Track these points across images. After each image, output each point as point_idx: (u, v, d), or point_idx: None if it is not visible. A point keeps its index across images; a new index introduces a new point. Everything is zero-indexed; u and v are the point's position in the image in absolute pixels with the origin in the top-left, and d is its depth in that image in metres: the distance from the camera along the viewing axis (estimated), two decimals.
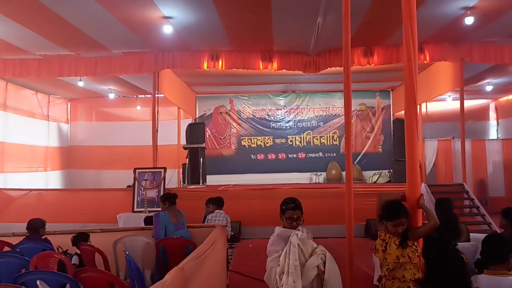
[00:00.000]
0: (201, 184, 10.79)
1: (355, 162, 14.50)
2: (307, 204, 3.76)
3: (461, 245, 3.65)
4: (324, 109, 15.01)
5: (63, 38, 9.09)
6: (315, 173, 14.43)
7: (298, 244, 3.00)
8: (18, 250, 4.40)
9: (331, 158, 14.65)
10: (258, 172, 14.41)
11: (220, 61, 9.84)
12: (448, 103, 14.30)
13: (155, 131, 9.93)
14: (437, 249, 2.86)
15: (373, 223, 9.30)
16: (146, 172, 9.73)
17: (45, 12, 7.49)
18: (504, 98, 14.99)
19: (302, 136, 14.91)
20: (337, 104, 14.93)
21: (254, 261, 7.35)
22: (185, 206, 8.64)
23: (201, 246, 3.82)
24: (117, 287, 3.21)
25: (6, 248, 4.55)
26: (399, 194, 2.98)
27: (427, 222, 2.86)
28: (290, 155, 14.85)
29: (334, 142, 14.84)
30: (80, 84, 11.98)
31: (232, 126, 14.98)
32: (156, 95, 10.10)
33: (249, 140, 14.93)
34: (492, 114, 15.61)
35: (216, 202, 6.77)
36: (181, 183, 12.01)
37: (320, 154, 14.81)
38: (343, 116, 14.87)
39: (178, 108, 12.80)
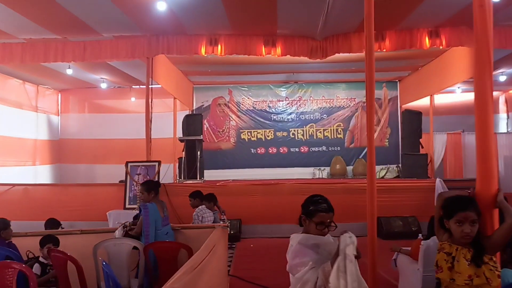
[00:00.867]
0: (198, 179, 10.11)
1: (360, 157, 13.95)
2: None
3: None
4: (328, 100, 14.33)
5: (49, 20, 8.33)
6: (318, 167, 13.80)
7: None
8: None
9: (335, 152, 14.01)
10: (258, 167, 13.75)
11: (219, 46, 9.07)
12: (457, 95, 13.69)
13: (148, 121, 9.20)
14: None
15: (384, 221, 8.73)
16: (138, 166, 9.06)
17: None
18: None
19: (304, 129, 14.24)
20: (341, 95, 14.31)
21: (256, 264, 6.73)
22: (181, 202, 8.06)
23: (198, 252, 3.19)
24: None
25: None
26: (466, 191, 2.28)
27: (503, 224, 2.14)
28: (292, 149, 14.18)
29: (338, 136, 14.21)
30: (69, 72, 11.24)
31: (231, 119, 14.28)
32: (151, 86, 9.35)
33: (249, 133, 14.26)
34: (502, 107, 14.95)
35: (203, 197, 6.53)
36: (177, 178, 11.35)
37: (324, 148, 14.17)
38: (348, 108, 14.50)
39: (174, 99, 12.12)
